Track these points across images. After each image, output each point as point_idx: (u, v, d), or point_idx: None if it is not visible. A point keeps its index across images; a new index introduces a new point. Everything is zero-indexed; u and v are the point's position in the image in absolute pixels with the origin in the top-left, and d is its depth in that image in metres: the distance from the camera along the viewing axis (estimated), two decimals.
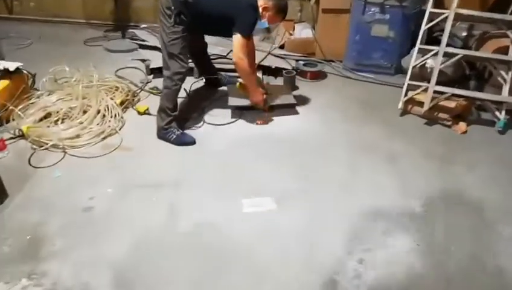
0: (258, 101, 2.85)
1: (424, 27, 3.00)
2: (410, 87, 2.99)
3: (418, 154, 2.60)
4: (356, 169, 2.45)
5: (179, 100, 2.81)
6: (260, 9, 2.61)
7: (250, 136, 2.76)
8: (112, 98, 3.03)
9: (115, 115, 2.85)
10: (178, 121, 2.72)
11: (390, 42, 3.54)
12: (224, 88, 3.33)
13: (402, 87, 3.38)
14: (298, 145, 2.65)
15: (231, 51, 3.60)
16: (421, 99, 2.93)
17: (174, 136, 2.62)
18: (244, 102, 2.98)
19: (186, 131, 2.76)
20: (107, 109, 2.85)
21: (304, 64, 3.67)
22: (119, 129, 2.78)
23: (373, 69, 3.70)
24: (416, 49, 3.00)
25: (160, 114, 2.66)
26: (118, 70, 3.67)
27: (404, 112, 3.03)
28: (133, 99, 3.16)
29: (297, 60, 3.75)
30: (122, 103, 3.04)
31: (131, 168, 2.41)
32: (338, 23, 3.77)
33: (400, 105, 2.98)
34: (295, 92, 3.36)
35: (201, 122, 2.90)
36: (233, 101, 2.95)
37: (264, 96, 2.87)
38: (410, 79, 2.99)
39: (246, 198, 2.18)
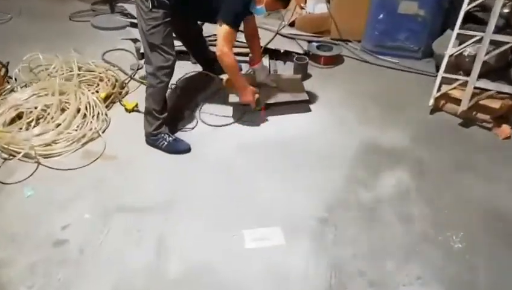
0: (247, 102, 2.42)
1: (466, 7, 2.48)
2: (445, 80, 2.53)
3: (450, 166, 2.19)
4: (378, 191, 2.04)
5: (168, 95, 2.41)
6: None
7: (254, 140, 2.36)
8: (95, 92, 2.63)
9: (98, 114, 2.45)
10: (169, 123, 2.32)
11: (419, 21, 3.02)
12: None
13: (430, 75, 2.95)
14: (311, 156, 2.24)
15: None
16: (457, 96, 2.48)
17: (165, 143, 2.23)
18: None
19: (179, 133, 2.38)
20: (88, 107, 2.46)
21: (318, 47, 3.18)
22: (103, 132, 2.40)
23: (397, 52, 3.21)
24: (454, 34, 2.50)
25: (147, 118, 2.26)
26: (105, 53, 3.24)
27: (435, 108, 2.58)
28: (121, 93, 2.75)
29: (309, 42, 3.26)
30: (107, 97, 2.63)
31: (113, 185, 2.05)
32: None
33: (431, 102, 2.53)
34: (307, 82, 2.92)
35: (196, 122, 2.50)
36: (235, 97, 2.52)
37: (256, 95, 2.43)
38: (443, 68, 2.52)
39: (248, 228, 1.83)
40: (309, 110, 2.61)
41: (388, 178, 2.11)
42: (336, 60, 3.16)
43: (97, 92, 2.66)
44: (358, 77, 3.02)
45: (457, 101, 2.46)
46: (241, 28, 2.36)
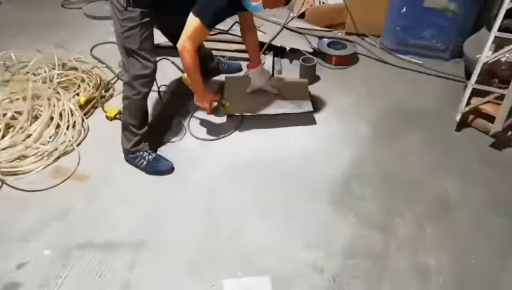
0: (201, 106, 2.09)
1: (508, 4, 2.05)
2: (476, 91, 2.13)
3: (482, 202, 1.83)
4: (389, 235, 1.71)
5: (151, 101, 2.11)
6: None
7: (246, 160, 2.04)
8: (74, 96, 2.35)
9: (74, 124, 2.18)
10: (153, 135, 2.03)
11: (449, 18, 2.59)
12: (222, 78, 2.56)
13: (459, 81, 2.54)
14: (312, 185, 1.91)
15: (236, 22, 2.79)
16: (489, 112, 2.09)
17: (144, 163, 1.95)
18: (245, 107, 2.23)
19: (164, 147, 2.09)
20: (63, 115, 2.18)
21: (329, 44, 2.80)
22: (78, 144, 2.13)
23: (421, 52, 2.80)
24: (491, 36, 2.09)
25: (124, 133, 1.97)
26: (94, 46, 2.94)
27: (462, 123, 2.20)
28: (104, 96, 2.46)
29: (320, 38, 2.88)
30: (88, 102, 2.35)
31: (81, 214, 1.79)
32: None
33: (458, 117, 2.15)
34: (314, 85, 2.56)
35: (184, 133, 2.20)
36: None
37: (214, 103, 2.11)
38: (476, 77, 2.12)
39: (231, 276, 1.54)
40: (314, 122, 2.27)
41: (403, 219, 1.77)
42: (350, 60, 2.77)
43: (78, 95, 2.39)
44: (374, 80, 2.64)
45: (491, 118, 2.08)
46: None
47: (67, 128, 2.14)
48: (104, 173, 1.97)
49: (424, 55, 2.79)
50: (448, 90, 2.53)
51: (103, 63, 2.76)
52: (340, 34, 3.11)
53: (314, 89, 2.51)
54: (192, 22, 1.73)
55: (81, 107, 2.31)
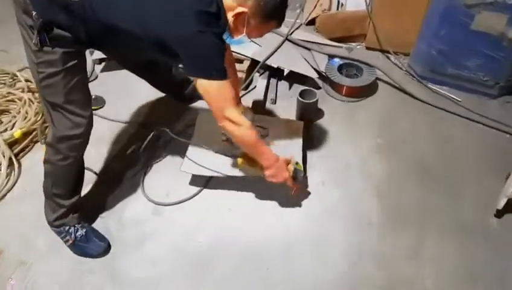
0: (282, 180, 1.49)
1: None
2: None
3: None
4: None
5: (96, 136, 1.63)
6: (229, 19, 1.21)
7: (208, 243, 1.54)
8: (8, 129, 1.88)
9: None
10: (82, 206, 1.55)
11: (504, 47, 1.93)
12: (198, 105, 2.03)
13: (507, 132, 1.93)
14: None
15: None
16: None
17: (70, 241, 1.48)
18: (213, 162, 1.68)
19: (105, 213, 1.62)
20: None
21: (341, 68, 2.19)
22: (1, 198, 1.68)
23: (461, 84, 2.16)
24: None
25: (47, 201, 1.49)
26: None
27: (504, 210, 1.61)
28: (47, 127, 1.98)
29: (331, 57, 2.26)
30: (27, 135, 1.88)
31: None
32: None
33: (501, 204, 1.56)
34: (316, 124, 2.00)
35: (134, 191, 1.71)
36: (193, 157, 1.67)
37: (291, 167, 1.49)
38: None
39: None
40: (306, 189, 1.72)
41: None
42: (365, 91, 2.17)
43: (14, 126, 1.91)
44: (394, 121, 2.04)
45: None
46: None
47: None
48: (23, 247, 1.52)
49: (463, 89, 2.15)
50: (492, 143, 1.92)
51: None
52: (359, 46, 2.48)
53: (312, 130, 1.96)
54: (207, 88, 1.22)
55: (16, 142, 1.85)
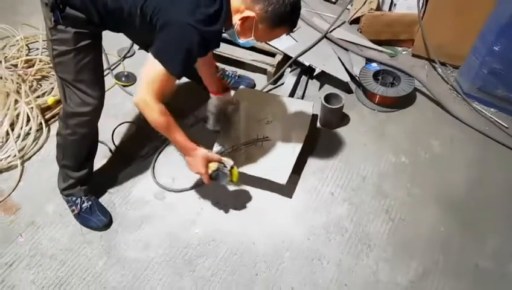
0: (196, 172, 1.42)
1: None
2: None
3: None
4: None
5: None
6: (236, 22, 1.16)
7: (204, 240, 1.55)
8: (41, 96, 2.00)
9: (24, 135, 1.83)
10: (91, 179, 1.62)
11: None
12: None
13: None
14: None
15: None
16: None
17: (75, 211, 1.57)
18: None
19: (113, 189, 1.68)
20: (15, 121, 1.85)
21: (376, 74, 2.05)
22: (27, 159, 1.81)
23: (511, 109, 1.94)
24: None
25: (60, 170, 1.58)
26: None
27: None
28: None
29: (369, 61, 2.12)
30: (58, 103, 1.99)
31: None
32: (469, 5, 1.93)
33: None
34: (338, 131, 1.90)
35: (145, 170, 1.75)
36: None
37: (213, 165, 1.41)
38: None
39: None
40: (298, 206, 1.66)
41: None
42: (399, 102, 2.01)
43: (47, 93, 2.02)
44: (425, 140, 1.88)
45: None
46: None
47: (17, 138, 1.82)
48: (36, 208, 1.64)
49: None
50: None
51: None
52: (404, 52, 2.30)
53: (334, 136, 1.87)
54: (154, 66, 1.17)
55: (49, 108, 1.97)
